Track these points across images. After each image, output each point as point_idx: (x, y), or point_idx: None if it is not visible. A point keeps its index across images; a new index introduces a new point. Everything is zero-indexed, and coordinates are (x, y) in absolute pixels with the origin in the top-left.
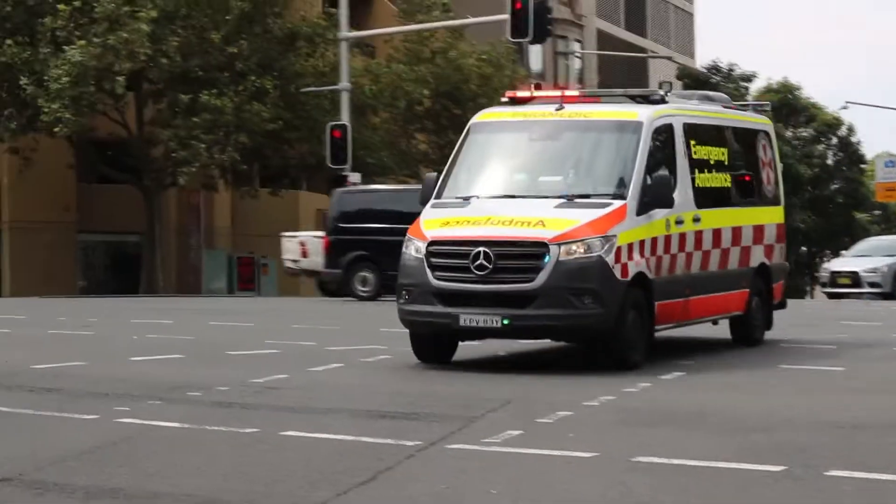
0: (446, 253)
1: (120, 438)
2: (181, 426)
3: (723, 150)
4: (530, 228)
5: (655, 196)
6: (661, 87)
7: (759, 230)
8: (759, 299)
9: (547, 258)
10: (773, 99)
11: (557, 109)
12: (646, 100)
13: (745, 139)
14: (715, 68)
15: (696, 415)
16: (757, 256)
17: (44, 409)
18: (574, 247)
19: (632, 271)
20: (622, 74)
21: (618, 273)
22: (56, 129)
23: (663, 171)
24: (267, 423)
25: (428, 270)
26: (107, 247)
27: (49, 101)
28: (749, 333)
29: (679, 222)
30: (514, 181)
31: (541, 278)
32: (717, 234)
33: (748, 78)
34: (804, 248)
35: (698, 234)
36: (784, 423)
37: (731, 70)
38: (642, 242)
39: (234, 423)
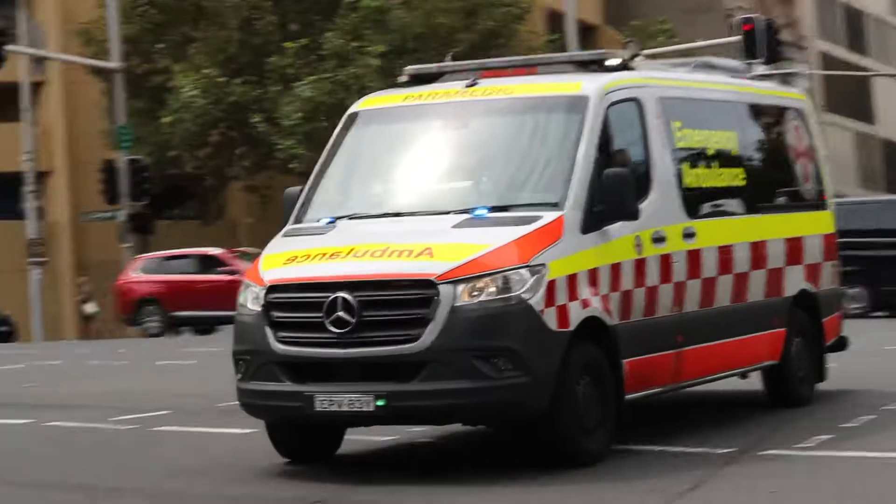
0: (292, 303)
1: None
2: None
3: (729, 134)
4: (412, 261)
5: (610, 203)
6: (626, 47)
7: (794, 245)
8: (801, 341)
9: (437, 304)
10: None
11: (469, 86)
12: (600, 66)
13: (768, 120)
14: None
15: None
16: (794, 282)
17: None
18: (479, 284)
19: (576, 316)
20: (847, 95)
21: (552, 321)
22: (291, 166)
23: (621, 167)
24: None
25: (268, 330)
26: None
27: (282, 138)
28: (791, 390)
29: (658, 240)
30: (401, 192)
31: (428, 335)
32: (725, 253)
33: None
34: None
35: (693, 256)
36: None
37: None
38: (594, 273)
39: None
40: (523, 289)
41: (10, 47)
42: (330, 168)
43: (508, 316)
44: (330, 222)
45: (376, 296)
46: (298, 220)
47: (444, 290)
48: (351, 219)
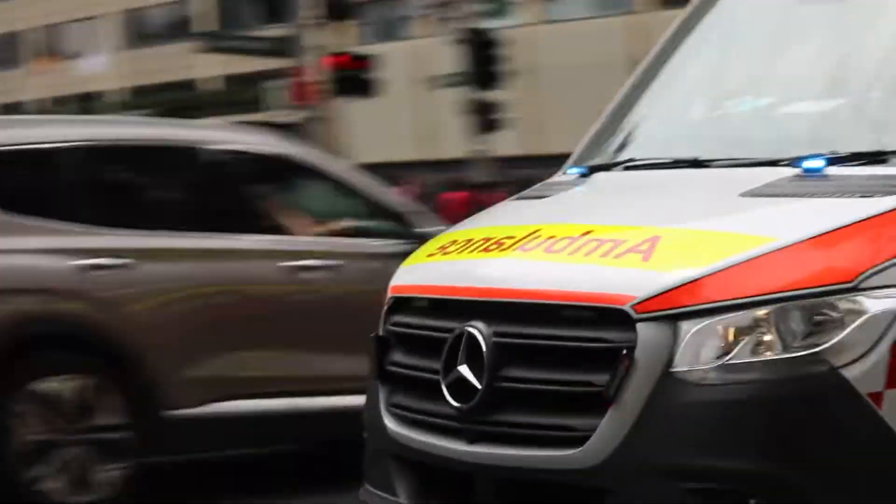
0: (409, 336)
1: None
2: None
3: None
4: (604, 264)
5: None
6: None
7: None
8: None
9: (629, 365)
10: None
11: None
12: None
13: None
14: None
15: None
16: None
17: None
18: (731, 328)
19: None
20: None
21: None
22: None
23: None
24: None
25: (381, 390)
26: None
27: None
28: None
29: None
30: (727, 120)
31: (606, 434)
32: None
33: None
34: None
35: None
36: None
37: None
38: None
39: None
40: (836, 339)
41: None
42: (658, 77)
43: (794, 406)
44: (583, 174)
45: (524, 336)
46: (583, 160)
47: (646, 334)
48: (610, 169)
